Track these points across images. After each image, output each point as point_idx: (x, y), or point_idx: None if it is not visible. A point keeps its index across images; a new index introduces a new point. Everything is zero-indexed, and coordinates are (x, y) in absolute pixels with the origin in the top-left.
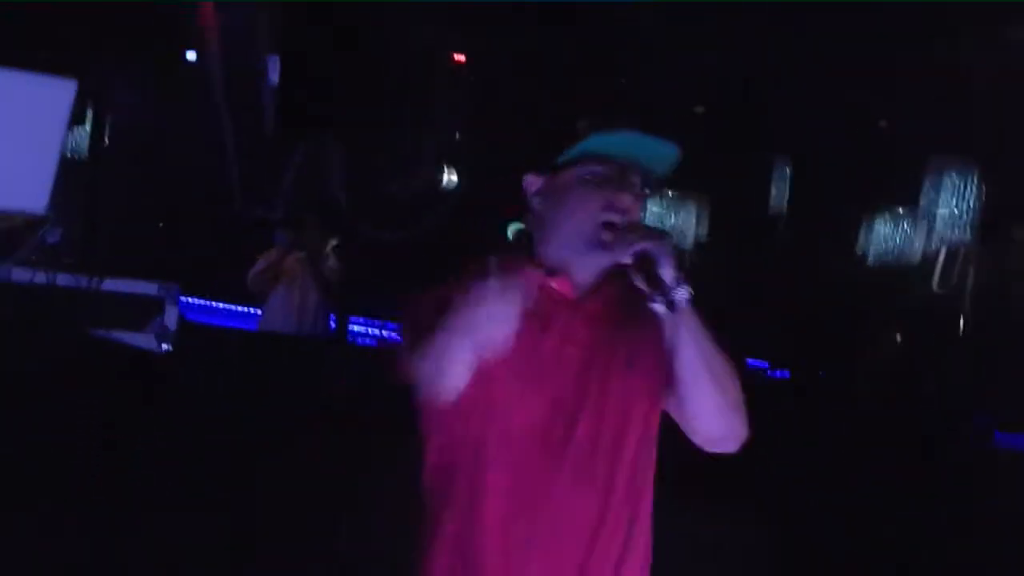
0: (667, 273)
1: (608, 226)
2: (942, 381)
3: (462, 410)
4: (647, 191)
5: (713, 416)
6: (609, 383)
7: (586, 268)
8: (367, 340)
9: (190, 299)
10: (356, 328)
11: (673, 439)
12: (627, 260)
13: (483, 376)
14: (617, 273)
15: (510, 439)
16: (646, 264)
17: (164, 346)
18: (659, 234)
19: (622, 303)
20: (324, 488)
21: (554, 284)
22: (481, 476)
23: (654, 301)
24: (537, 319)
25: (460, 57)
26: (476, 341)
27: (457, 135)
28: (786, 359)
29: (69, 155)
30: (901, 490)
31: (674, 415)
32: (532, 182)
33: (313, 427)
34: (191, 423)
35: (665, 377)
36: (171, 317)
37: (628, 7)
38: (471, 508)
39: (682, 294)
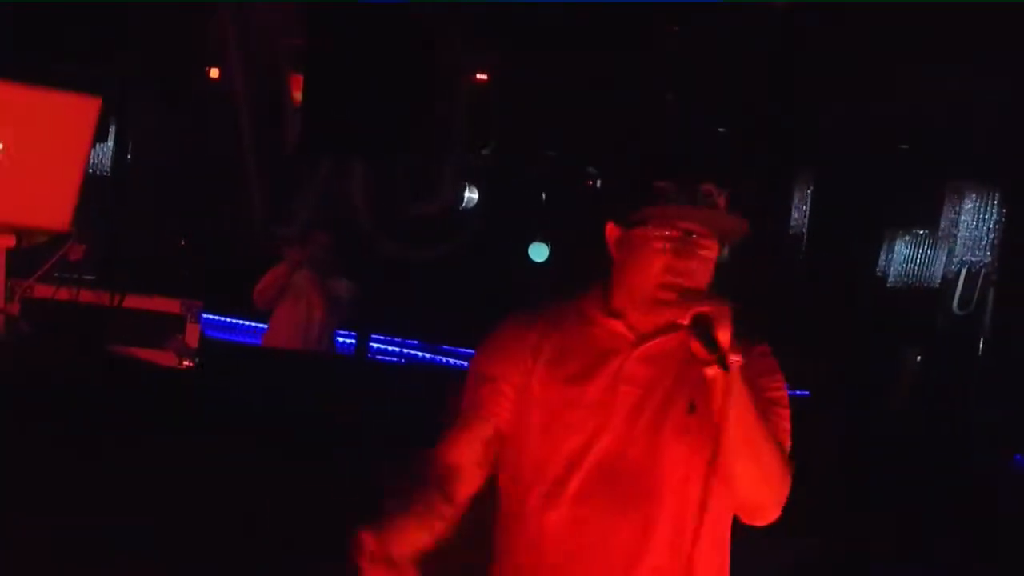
0: (723, 337)
1: (669, 288)
2: (962, 401)
3: (514, 441)
4: (719, 253)
5: (747, 485)
6: (665, 424)
7: (644, 319)
8: (387, 358)
9: (211, 316)
10: (376, 346)
11: None
12: (685, 321)
13: (536, 408)
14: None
15: (560, 472)
16: (702, 326)
17: (185, 363)
18: (719, 300)
19: (683, 350)
20: (343, 506)
21: (612, 325)
22: (537, 513)
23: (706, 364)
24: (594, 357)
25: (483, 76)
26: None
27: (479, 154)
28: (806, 379)
29: (92, 172)
30: (924, 509)
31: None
32: (611, 231)
33: (329, 444)
34: (212, 439)
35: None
36: (193, 334)
37: (650, 28)
38: (530, 546)
39: (734, 360)
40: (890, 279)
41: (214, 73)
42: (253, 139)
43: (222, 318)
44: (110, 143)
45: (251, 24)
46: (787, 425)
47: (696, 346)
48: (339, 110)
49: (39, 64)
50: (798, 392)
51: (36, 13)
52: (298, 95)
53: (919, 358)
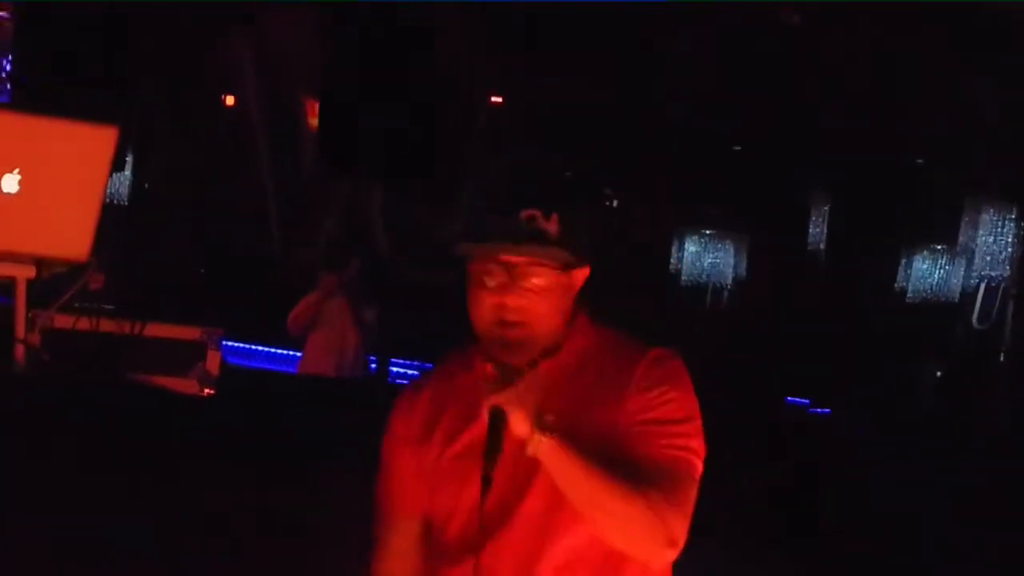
0: (517, 429)
1: (502, 325)
2: (983, 415)
3: (408, 496)
4: (553, 281)
5: (612, 538)
6: (532, 461)
7: (502, 357)
8: (407, 381)
9: (231, 343)
10: (396, 369)
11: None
12: (484, 413)
13: (427, 464)
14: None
15: (448, 522)
16: (496, 418)
17: (207, 391)
18: (512, 380)
19: (558, 381)
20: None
21: (484, 368)
22: (432, 559)
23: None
24: (473, 405)
25: (498, 99)
26: None
27: (496, 176)
28: (827, 396)
29: (110, 201)
30: (945, 524)
31: None
32: (468, 268)
33: (353, 469)
34: (232, 466)
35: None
36: (214, 362)
37: (666, 49)
38: None
39: (541, 446)
40: (909, 295)
41: (230, 100)
42: (270, 165)
43: (244, 345)
44: (127, 172)
45: (267, 51)
46: (678, 440)
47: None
48: (355, 135)
49: (57, 94)
50: (819, 410)
51: (54, 44)
52: (314, 121)
53: (939, 373)
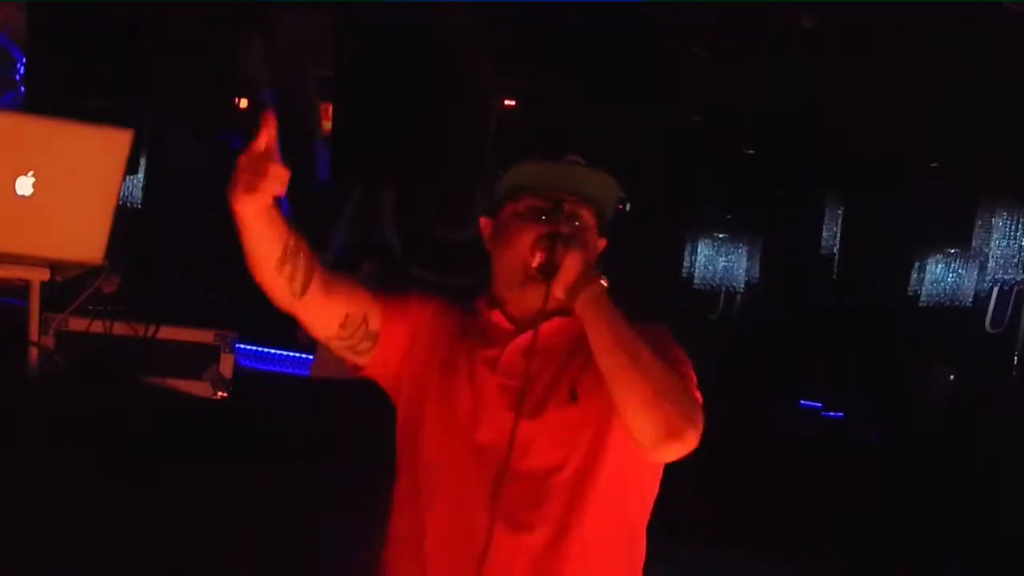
0: (573, 259)
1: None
2: (995, 421)
3: (402, 433)
4: (593, 225)
5: (641, 403)
6: (546, 415)
7: (523, 301)
8: None
9: (242, 345)
10: None
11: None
12: (538, 262)
13: (419, 403)
14: (558, 309)
15: (443, 468)
16: (551, 244)
17: (220, 394)
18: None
19: (563, 336)
20: (378, 532)
21: (492, 316)
22: (420, 508)
23: (539, 280)
24: (476, 349)
25: (511, 102)
26: None
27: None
28: (840, 400)
29: (124, 203)
30: (957, 529)
31: (627, 441)
32: (485, 224)
33: (365, 472)
34: (244, 469)
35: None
36: (227, 365)
37: (678, 50)
38: (415, 542)
39: (593, 286)
40: (922, 298)
41: (243, 104)
42: (284, 168)
43: (257, 347)
44: (141, 175)
45: (280, 55)
46: (688, 372)
47: (559, 284)
48: (369, 139)
49: (71, 98)
50: (831, 413)
51: (67, 46)
52: (327, 124)
53: (952, 377)
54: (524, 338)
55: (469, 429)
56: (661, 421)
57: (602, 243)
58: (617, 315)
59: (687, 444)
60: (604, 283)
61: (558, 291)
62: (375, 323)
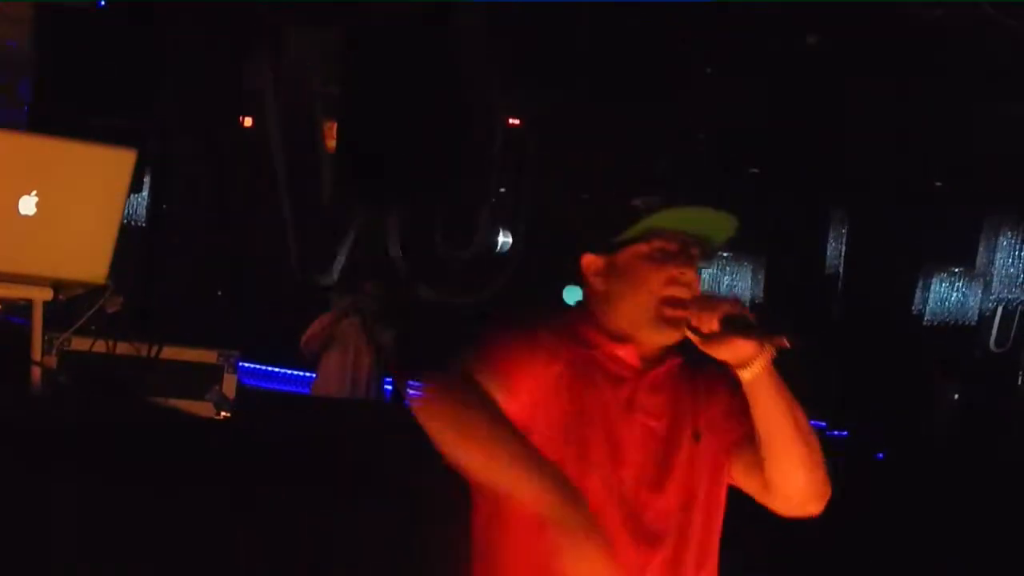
0: (752, 335)
1: (675, 303)
2: (1002, 438)
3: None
4: (705, 262)
5: (801, 473)
6: (676, 454)
7: (650, 341)
8: None
9: (246, 364)
10: (414, 392)
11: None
12: (713, 327)
13: (550, 447)
14: (679, 346)
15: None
16: (735, 322)
17: (223, 414)
18: (731, 298)
19: (685, 375)
20: (380, 554)
21: (620, 352)
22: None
23: (742, 365)
24: (605, 386)
25: (515, 121)
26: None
27: (514, 199)
28: (844, 419)
29: (128, 222)
30: (964, 546)
31: (748, 485)
32: (591, 262)
33: (369, 492)
34: (248, 488)
35: (732, 447)
36: (230, 385)
37: (680, 68)
38: (541, 567)
39: (765, 357)
40: (927, 317)
41: (248, 122)
42: (288, 187)
43: (261, 366)
44: (145, 193)
45: (285, 73)
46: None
47: (729, 350)
48: (373, 157)
49: (75, 117)
50: (837, 432)
51: (71, 66)
52: (332, 143)
53: (956, 396)
54: (654, 375)
55: (603, 467)
56: (816, 485)
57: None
58: (782, 385)
59: (822, 504)
60: (772, 352)
61: (723, 355)
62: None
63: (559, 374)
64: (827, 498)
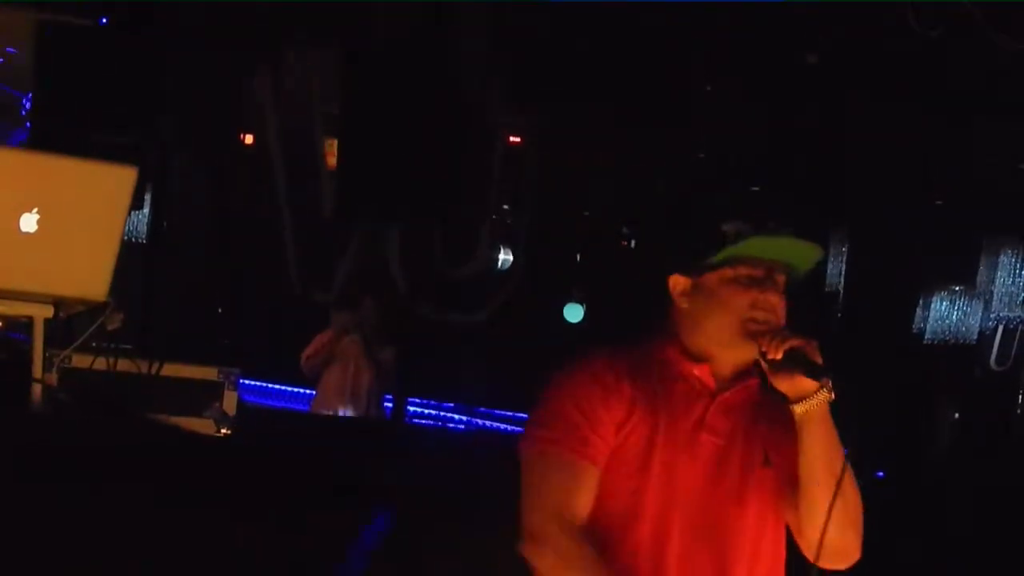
0: (815, 368)
1: (758, 322)
2: (1000, 458)
3: (604, 484)
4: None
5: (831, 527)
6: (745, 476)
7: (729, 361)
8: (424, 422)
9: (247, 381)
10: (413, 409)
11: None
12: (777, 356)
13: (619, 456)
14: (756, 372)
15: (641, 521)
16: (798, 358)
17: (223, 431)
18: (805, 337)
19: (760, 400)
20: (380, 571)
21: (696, 372)
22: (615, 556)
23: (798, 400)
24: (679, 405)
25: (516, 139)
26: None
27: (514, 216)
28: (842, 436)
29: (129, 239)
30: (963, 565)
31: (791, 524)
32: (678, 282)
33: (369, 508)
34: (248, 505)
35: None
36: (231, 402)
37: (682, 86)
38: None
39: (821, 397)
40: (927, 335)
41: (248, 139)
42: (289, 204)
43: (261, 383)
44: (146, 210)
45: (286, 90)
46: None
47: (788, 383)
48: (374, 175)
49: (76, 133)
50: None
51: (73, 83)
52: (332, 160)
53: (957, 415)
54: (728, 397)
55: (668, 480)
56: (843, 544)
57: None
58: (833, 433)
59: (851, 564)
60: (830, 394)
61: (783, 386)
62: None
63: (632, 399)
64: (853, 560)
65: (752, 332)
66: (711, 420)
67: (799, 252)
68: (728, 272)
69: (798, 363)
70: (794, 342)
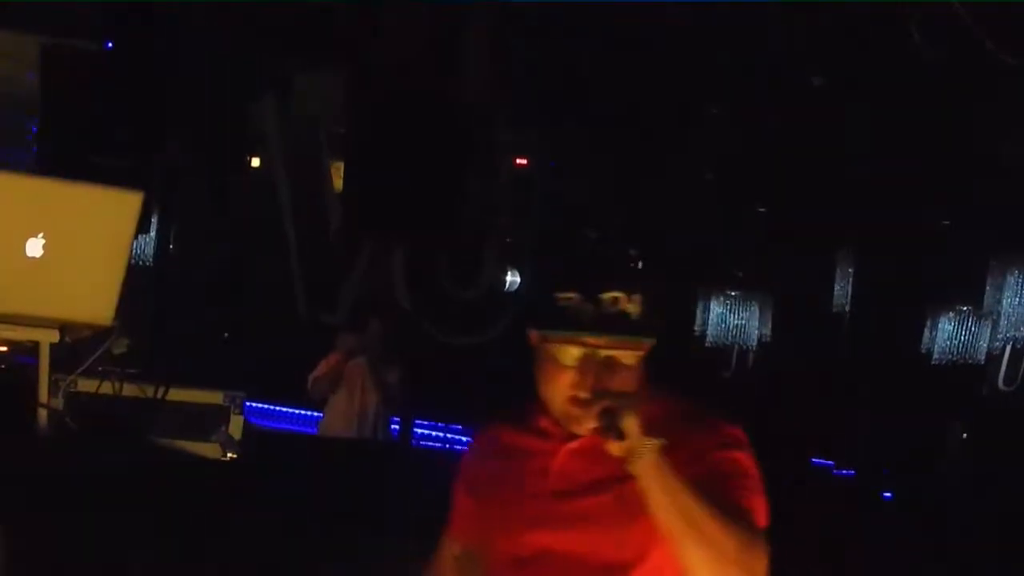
0: (628, 427)
1: (579, 403)
2: (1009, 478)
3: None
4: (636, 359)
5: (703, 570)
6: (598, 517)
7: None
8: (431, 444)
9: (253, 403)
10: (420, 431)
11: None
12: (592, 425)
13: (483, 517)
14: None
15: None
16: (609, 420)
17: (230, 455)
18: (628, 395)
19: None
20: None
21: (544, 424)
22: None
23: (623, 458)
24: (537, 459)
25: (522, 160)
26: None
27: (520, 238)
28: (852, 458)
29: (135, 263)
30: None
31: None
32: (532, 338)
33: (376, 533)
34: (255, 529)
35: None
36: (236, 426)
37: (687, 107)
38: None
39: (649, 455)
40: (934, 356)
41: (255, 162)
42: (295, 227)
43: (268, 406)
44: (152, 233)
45: (292, 113)
46: (750, 493)
47: (609, 443)
48: (380, 197)
49: (82, 157)
50: (844, 471)
51: (79, 106)
52: (339, 182)
53: (964, 435)
54: (581, 442)
55: (534, 536)
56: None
57: (647, 345)
58: (672, 480)
59: None
60: (654, 446)
61: (611, 449)
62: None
63: (492, 478)
64: None
65: (572, 414)
66: (572, 472)
67: (622, 329)
68: (553, 348)
69: (606, 428)
70: (604, 404)
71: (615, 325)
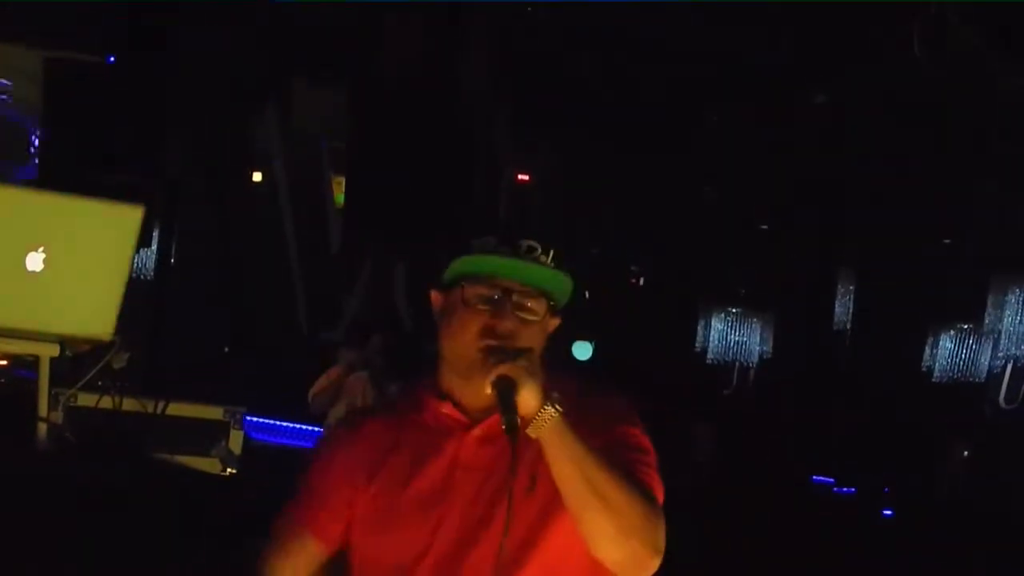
0: (525, 398)
1: (488, 352)
2: (1010, 496)
3: (357, 549)
4: (547, 316)
5: (606, 540)
6: (505, 507)
7: (474, 392)
8: None
9: (253, 418)
10: None
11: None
12: (487, 389)
13: (370, 506)
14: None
15: (400, 569)
16: (504, 388)
17: (229, 470)
18: (528, 361)
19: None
20: None
21: (445, 410)
22: None
23: (504, 426)
24: (428, 446)
25: (524, 176)
26: None
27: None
28: (852, 475)
29: (136, 276)
30: None
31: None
32: (435, 299)
33: None
34: (255, 544)
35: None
36: (236, 441)
37: (689, 125)
38: None
39: (546, 417)
40: (936, 374)
41: (256, 176)
42: (296, 241)
43: (268, 420)
44: (153, 247)
45: (293, 128)
46: (650, 469)
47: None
48: (381, 211)
49: (84, 171)
50: (844, 489)
51: (81, 122)
52: (340, 197)
53: (966, 453)
54: (480, 429)
55: (434, 528)
56: (626, 556)
57: (554, 323)
58: (575, 446)
59: (648, 568)
60: (557, 412)
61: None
62: (327, 544)
63: (372, 461)
64: (646, 567)
65: (479, 364)
66: (465, 455)
67: (530, 274)
68: (464, 291)
69: (499, 396)
70: (503, 369)
71: (530, 270)
